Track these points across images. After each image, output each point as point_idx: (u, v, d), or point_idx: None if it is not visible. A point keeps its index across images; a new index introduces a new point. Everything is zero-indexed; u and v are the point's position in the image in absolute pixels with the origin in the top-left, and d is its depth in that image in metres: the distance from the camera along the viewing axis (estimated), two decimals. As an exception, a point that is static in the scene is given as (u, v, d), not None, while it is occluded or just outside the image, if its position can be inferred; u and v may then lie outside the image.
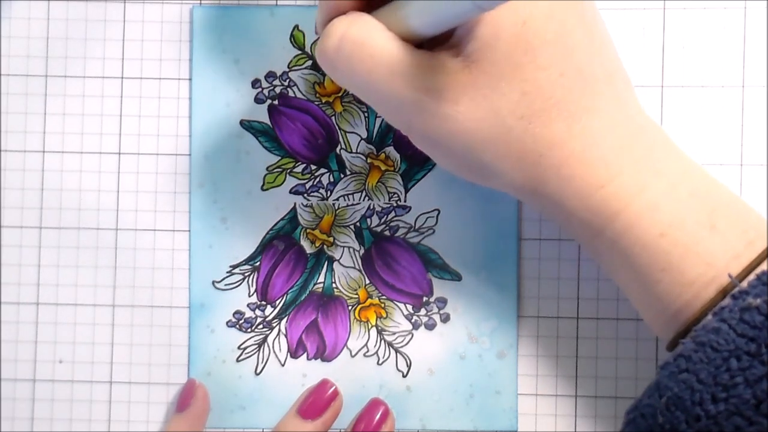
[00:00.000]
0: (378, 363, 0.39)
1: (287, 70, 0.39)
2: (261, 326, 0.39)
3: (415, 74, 0.30)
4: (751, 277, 0.29)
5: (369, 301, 0.39)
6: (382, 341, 0.39)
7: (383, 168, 0.39)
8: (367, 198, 0.39)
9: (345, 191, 0.39)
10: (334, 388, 0.38)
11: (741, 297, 0.29)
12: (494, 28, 0.29)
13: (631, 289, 0.32)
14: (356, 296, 0.39)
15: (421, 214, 0.39)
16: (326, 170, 0.39)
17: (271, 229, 0.39)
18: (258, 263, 0.39)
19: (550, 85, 0.30)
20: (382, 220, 0.39)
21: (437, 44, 0.31)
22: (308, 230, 0.39)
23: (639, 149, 0.31)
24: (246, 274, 0.39)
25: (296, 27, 0.39)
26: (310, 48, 0.39)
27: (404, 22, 0.30)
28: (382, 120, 0.39)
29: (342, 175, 0.39)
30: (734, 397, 0.28)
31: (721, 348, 0.28)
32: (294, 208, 0.39)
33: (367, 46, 0.30)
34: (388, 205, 0.39)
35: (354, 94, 0.32)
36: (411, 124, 0.31)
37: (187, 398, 0.38)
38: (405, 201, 0.39)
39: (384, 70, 0.30)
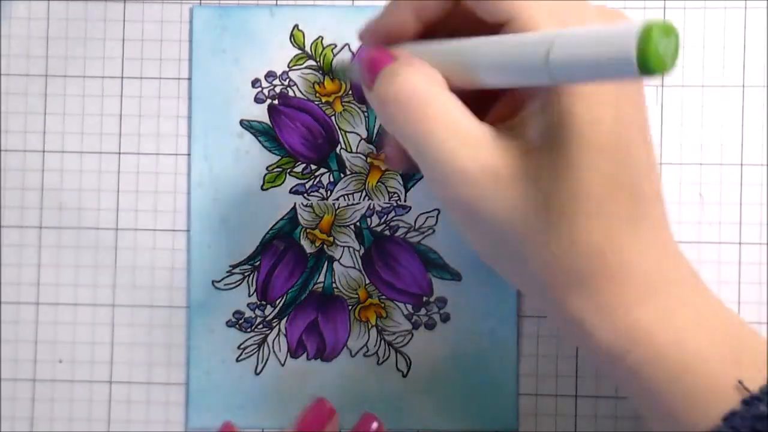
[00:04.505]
0: (378, 363, 0.39)
1: (287, 69, 0.39)
2: (261, 326, 0.39)
3: (474, 146, 0.28)
4: (763, 382, 0.28)
5: (369, 300, 0.39)
6: (382, 341, 0.39)
7: (383, 168, 0.39)
8: (367, 198, 0.39)
9: (345, 191, 0.39)
10: (330, 406, 0.38)
11: (753, 403, 0.28)
12: (562, 121, 0.28)
13: (650, 415, 0.31)
14: (356, 296, 0.39)
15: (421, 214, 0.39)
16: (326, 170, 0.39)
17: (271, 229, 0.39)
18: (258, 263, 0.39)
19: (602, 192, 0.28)
20: (382, 220, 0.39)
21: (499, 115, 0.30)
22: (308, 230, 0.39)
23: (670, 278, 0.30)
24: (246, 274, 0.39)
25: (296, 27, 0.39)
26: (310, 48, 0.39)
27: (467, 68, 0.29)
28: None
29: (342, 175, 0.39)
30: None
31: None
32: (294, 208, 0.39)
33: (432, 106, 0.29)
34: (388, 205, 0.39)
35: (403, 145, 0.30)
36: (455, 196, 0.29)
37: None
38: (405, 201, 0.39)
39: (442, 135, 0.29)
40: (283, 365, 0.39)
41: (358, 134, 0.39)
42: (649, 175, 0.30)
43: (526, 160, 0.28)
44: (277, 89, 0.39)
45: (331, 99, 0.39)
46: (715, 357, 0.29)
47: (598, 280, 0.29)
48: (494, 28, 0.29)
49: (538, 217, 0.29)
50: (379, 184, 0.39)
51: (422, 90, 0.29)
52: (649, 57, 0.22)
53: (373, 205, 0.39)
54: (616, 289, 0.29)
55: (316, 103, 0.39)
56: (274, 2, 0.39)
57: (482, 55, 0.28)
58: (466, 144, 0.29)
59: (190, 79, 0.39)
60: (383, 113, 0.30)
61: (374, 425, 0.38)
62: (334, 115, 0.39)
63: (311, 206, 0.39)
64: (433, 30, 0.31)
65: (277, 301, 0.39)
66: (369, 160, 0.39)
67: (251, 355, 0.39)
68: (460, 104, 0.29)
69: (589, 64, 0.24)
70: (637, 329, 0.29)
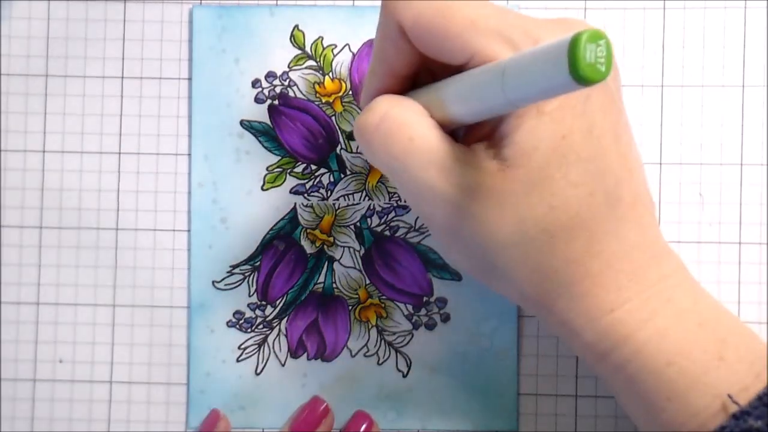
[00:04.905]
0: (378, 363, 0.39)
1: (287, 70, 0.39)
2: (261, 326, 0.39)
3: (450, 167, 0.30)
4: (752, 397, 0.29)
5: (369, 301, 0.39)
6: (382, 341, 0.39)
7: (383, 168, 0.39)
8: (367, 198, 0.39)
9: (345, 191, 0.39)
10: (325, 405, 0.38)
11: (742, 418, 0.28)
12: (534, 138, 0.29)
13: (634, 413, 0.32)
14: (356, 296, 0.39)
15: (421, 214, 0.39)
16: (326, 170, 0.39)
17: (271, 229, 0.39)
18: (258, 263, 0.39)
19: (577, 203, 0.29)
20: (383, 220, 0.39)
21: (476, 137, 0.31)
22: (308, 230, 0.39)
23: (653, 276, 0.31)
24: (246, 274, 0.39)
25: (296, 27, 0.39)
26: (310, 48, 0.39)
27: (441, 105, 0.30)
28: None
29: (342, 175, 0.39)
30: None
31: None
32: (294, 208, 0.39)
33: (408, 128, 0.30)
34: (389, 205, 0.39)
35: (383, 173, 0.32)
36: (434, 216, 0.31)
37: (208, 428, 0.38)
38: (405, 201, 0.39)
39: (420, 156, 0.30)
40: (283, 365, 0.39)
41: (358, 134, 0.39)
42: (629, 178, 0.31)
43: (501, 179, 0.29)
44: (278, 89, 0.39)
45: (331, 99, 0.39)
46: (697, 352, 0.30)
47: (581, 286, 0.30)
48: (462, 67, 0.30)
49: (517, 232, 0.29)
50: (379, 184, 0.39)
51: (401, 116, 0.30)
52: (579, 65, 0.23)
53: (374, 205, 0.39)
54: (598, 292, 0.30)
55: (316, 103, 0.39)
56: (274, 2, 0.39)
57: (448, 91, 0.30)
58: (442, 165, 0.30)
59: (190, 79, 0.39)
60: (365, 142, 0.31)
61: (363, 427, 0.38)
62: (335, 115, 0.39)
63: (311, 206, 0.39)
64: (416, 80, 0.32)
65: (278, 302, 0.39)
66: (369, 160, 0.39)
67: (251, 355, 0.39)
68: (437, 128, 0.30)
69: (536, 83, 0.25)
70: (619, 328, 0.30)
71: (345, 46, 0.39)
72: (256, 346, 0.39)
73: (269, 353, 0.39)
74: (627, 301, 0.30)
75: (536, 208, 0.29)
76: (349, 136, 0.39)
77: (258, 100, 0.39)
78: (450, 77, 0.30)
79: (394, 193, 0.39)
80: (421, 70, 0.32)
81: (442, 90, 0.30)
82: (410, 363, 0.39)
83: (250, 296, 0.39)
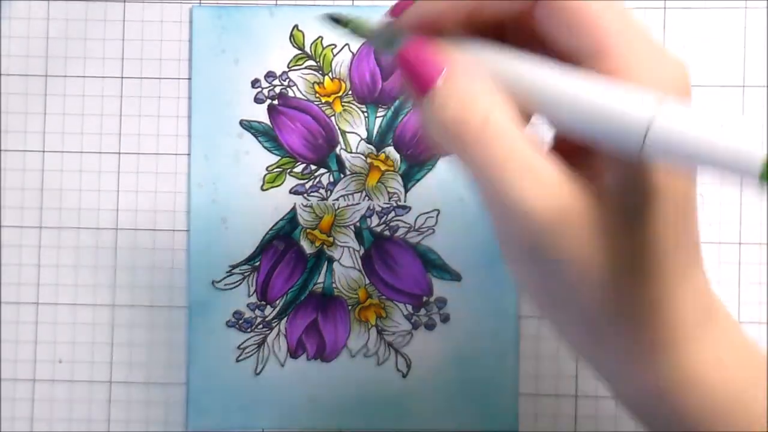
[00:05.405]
0: (378, 363, 0.39)
1: (287, 70, 0.39)
2: (261, 326, 0.39)
3: (549, 187, 0.26)
4: None
5: (369, 301, 0.39)
6: (382, 341, 0.39)
7: (383, 168, 0.39)
8: (367, 198, 0.39)
9: (345, 191, 0.39)
10: None
11: None
12: (642, 170, 0.26)
13: None
14: (356, 296, 0.39)
15: (420, 214, 0.39)
16: (326, 170, 0.39)
17: (270, 229, 0.39)
18: (258, 263, 0.39)
19: (669, 243, 0.27)
20: (382, 220, 0.39)
21: (562, 148, 0.28)
22: (308, 230, 0.39)
23: (713, 319, 0.29)
24: (246, 274, 0.39)
25: (296, 27, 0.39)
26: (310, 48, 0.39)
27: (537, 105, 0.26)
28: (382, 120, 0.39)
29: (342, 175, 0.39)
30: None
31: None
32: (294, 208, 0.39)
33: (501, 138, 0.26)
34: (388, 205, 0.39)
35: (463, 173, 0.28)
36: (524, 237, 0.27)
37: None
38: (405, 201, 0.39)
39: (514, 173, 0.26)
40: (283, 365, 0.39)
41: (357, 134, 0.39)
42: (695, 225, 0.29)
43: (600, 207, 0.27)
44: (277, 89, 0.39)
45: (330, 99, 0.39)
46: (751, 398, 0.28)
47: (652, 329, 0.28)
48: (564, 53, 0.26)
49: (605, 267, 0.27)
50: (378, 184, 0.39)
51: (505, 124, 0.26)
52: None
53: (373, 205, 0.39)
54: (666, 334, 0.28)
55: (316, 103, 0.39)
56: (274, 2, 0.39)
57: (560, 98, 0.26)
58: (539, 184, 0.26)
59: (190, 79, 0.39)
60: (440, 135, 0.27)
61: None
62: (334, 115, 0.39)
63: (311, 206, 0.39)
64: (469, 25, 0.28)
65: (277, 302, 0.39)
66: (369, 160, 0.39)
67: (251, 355, 0.39)
68: (529, 136, 0.26)
69: (695, 156, 0.23)
70: (689, 369, 0.29)
71: (345, 46, 0.39)
72: (256, 346, 0.39)
73: (269, 353, 0.39)
74: (695, 339, 0.29)
75: (631, 244, 0.27)
76: (343, 135, 0.39)
77: (257, 100, 0.39)
78: (556, 73, 0.26)
79: (394, 193, 0.39)
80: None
81: (545, 85, 0.26)
82: (410, 363, 0.39)
83: (249, 296, 0.39)
